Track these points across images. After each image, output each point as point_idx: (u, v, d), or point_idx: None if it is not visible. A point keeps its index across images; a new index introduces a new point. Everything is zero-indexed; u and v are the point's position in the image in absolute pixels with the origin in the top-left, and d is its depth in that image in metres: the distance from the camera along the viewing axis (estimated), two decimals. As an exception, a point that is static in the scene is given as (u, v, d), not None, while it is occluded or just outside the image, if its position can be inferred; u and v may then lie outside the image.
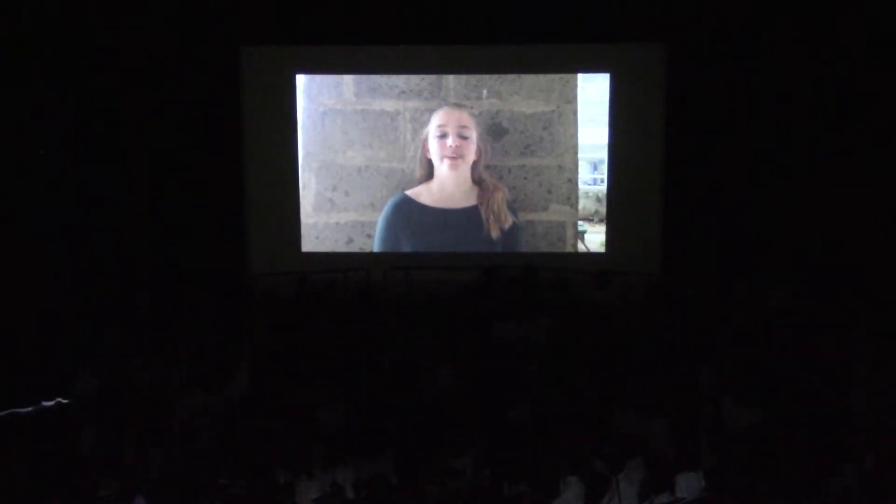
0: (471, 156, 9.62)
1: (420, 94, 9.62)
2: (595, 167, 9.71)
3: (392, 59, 9.59)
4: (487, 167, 9.64)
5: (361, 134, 9.69)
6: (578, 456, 6.19)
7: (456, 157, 9.59)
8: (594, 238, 9.77)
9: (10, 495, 6.07)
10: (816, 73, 9.08)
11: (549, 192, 9.70)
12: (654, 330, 7.89)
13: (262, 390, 7.27)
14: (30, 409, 7.12)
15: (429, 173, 9.64)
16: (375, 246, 9.75)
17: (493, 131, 9.64)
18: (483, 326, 7.95)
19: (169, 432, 6.82)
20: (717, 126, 9.24)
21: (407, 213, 9.70)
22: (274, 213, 9.76)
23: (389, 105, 9.65)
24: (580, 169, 9.67)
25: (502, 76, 9.59)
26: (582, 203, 9.74)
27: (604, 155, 9.64)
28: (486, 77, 9.59)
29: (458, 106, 9.60)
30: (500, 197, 9.66)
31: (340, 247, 9.76)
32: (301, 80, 9.65)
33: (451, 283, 8.87)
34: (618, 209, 9.67)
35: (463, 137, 9.59)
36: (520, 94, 9.62)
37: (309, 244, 9.79)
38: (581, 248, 9.77)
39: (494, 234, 9.71)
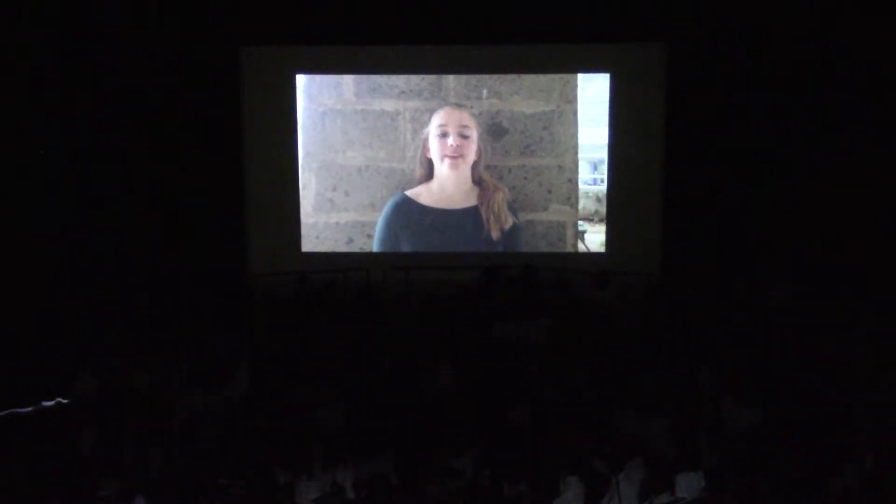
0: (471, 156, 9.62)
1: (420, 94, 9.62)
2: (595, 167, 9.71)
3: (392, 59, 9.59)
4: (487, 167, 9.64)
5: (361, 134, 9.69)
6: (578, 456, 6.19)
7: (456, 156, 9.60)
8: (594, 238, 9.77)
9: (10, 495, 6.07)
10: (816, 73, 9.08)
11: (550, 192, 9.70)
12: (654, 330, 7.89)
13: (262, 390, 7.27)
14: (30, 409, 7.12)
15: (429, 173, 9.64)
16: (375, 246, 9.75)
17: (494, 131, 9.64)
18: (483, 326, 7.94)
19: (169, 432, 6.82)
20: (717, 126, 9.24)
21: (407, 213, 9.70)
22: (274, 213, 9.76)
23: (389, 105, 9.65)
24: (580, 169, 9.68)
25: (502, 76, 9.59)
26: (582, 203, 9.74)
27: (604, 155, 9.64)
28: (486, 77, 9.59)
29: (458, 106, 9.60)
30: (501, 197, 9.66)
31: (340, 247, 9.76)
32: (301, 80, 9.65)
33: (451, 283, 8.87)
34: (618, 209, 9.67)
35: (464, 137, 9.59)
36: (520, 94, 9.62)
37: (309, 244, 9.79)
38: (581, 248, 9.77)
39: (495, 234, 9.72)
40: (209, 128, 9.41)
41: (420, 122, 9.62)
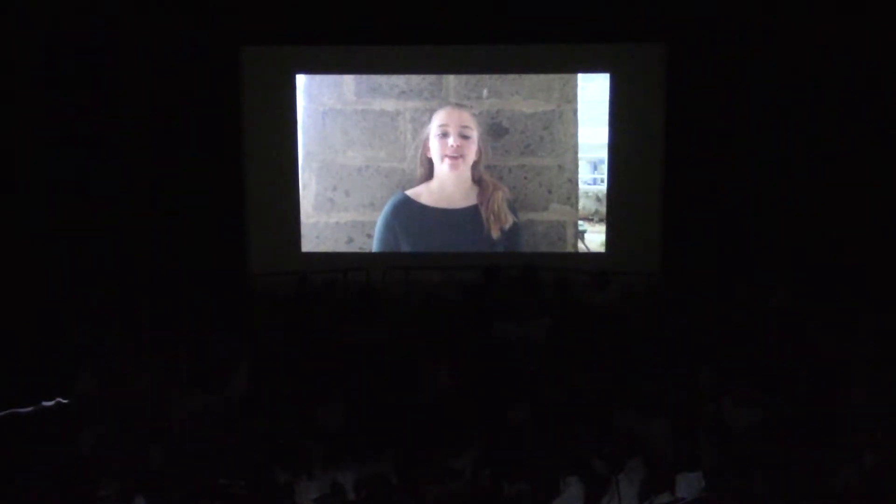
0: (471, 156, 9.62)
1: (420, 94, 9.63)
2: (595, 167, 9.71)
3: (392, 59, 9.60)
4: (488, 167, 9.64)
5: (362, 134, 9.69)
6: (578, 456, 6.18)
7: (457, 156, 9.60)
8: (594, 238, 9.77)
9: (10, 495, 6.06)
10: (817, 72, 9.08)
11: (550, 191, 9.70)
12: (654, 330, 7.89)
13: (262, 390, 7.27)
14: (30, 409, 7.11)
15: (429, 172, 9.65)
16: (375, 246, 9.75)
17: (494, 131, 9.64)
18: (483, 326, 7.94)
19: (169, 432, 6.81)
20: (718, 126, 9.25)
21: (407, 213, 9.70)
22: (274, 213, 9.77)
23: (390, 105, 9.65)
24: (580, 169, 9.68)
25: (502, 76, 9.59)
26: (582, 203, 9.74)
27: (604, 155, 9.65)
28: (486, 77, 9.59)
29: (459, 105, 9.60)
30: (500, 196, 9.66)
31: (340, 247, 9.76)
32: (301, 79, 9.65)
33: (451, 283, 8.88)
34: (618, 209, 9.67)
35: (464, 137, 9.59)
36: (520, 94, 9.63)
37: (309, 244, 9.80)
38: (581, 247, 9.77)
39: (495, 233, 9.72)
40: (209, 128, 9.41)
41: (420, 122, 9.63)
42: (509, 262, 9.08)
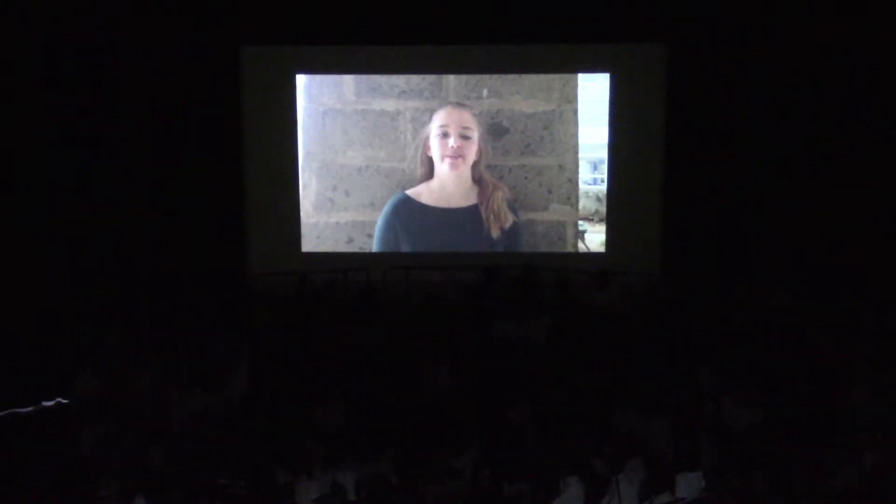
0: (472, 156, 9.62)
1: (420, 94, 9.62)
2: (595, 167, 9.71)
3: (392, 59, 9.60)
4: (488, 167, 9.64)
5: (362, 134, 9.69)
6: (578, 456, 6.18)
7: (457, 156, 9.60)
8: (594, 238, 9.77)
9: (10, 495, 6.06)
10: (817, 72, 9.08)
11: (550, 191, 9.70)
12: (654, 330, 7.89)
13: (262, 390, 7.27)
14: (30, 409, 7.11)
15: (429, 172, 9.65)
16: (375, 246, 9.75)
17: (494, 131, 9.64)
18: (483, 326, 7.94)
19: (169, 432, 6.81)
20: (718, 126, 9.25)
21: (407, 212, 9.70)
22: (274, 213, 9.76)
23: (390, 105, 9.65)
24: (580, 168, 9.68)
25: (503, 76, 9.59)
26: (582, 203, 9.74)
27: (604, 155, 9.65)
28: (486, 77, 9.59)
29: (460, 105, 9.60)
30: (500, 196, 9.66)
31: (341, 246, 9.76)
32: (301, 79, 9.65)
33: (451, 283, 8.88)
34: (618, 209, 9.67)
35: (465, 137, 9.59)
36: (520, 94, 9.63)
37: (309, 244, 9.80)
38: (581, 247, 9.77)
39: (495, 233, 9.72)
40: (209, 128, 9.40)
41: (420, 122, 9.63)
42: (509, 262, 9.08)
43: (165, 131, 9.40)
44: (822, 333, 7.58)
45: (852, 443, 6.25)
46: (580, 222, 9.76)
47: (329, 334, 7.89)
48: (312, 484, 6.12)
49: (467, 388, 7.28)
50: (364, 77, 9.63)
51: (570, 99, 9.62)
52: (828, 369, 7.14)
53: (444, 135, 9.59)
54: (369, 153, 9.71)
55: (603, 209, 9.72)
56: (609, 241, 9.73)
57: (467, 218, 9.70)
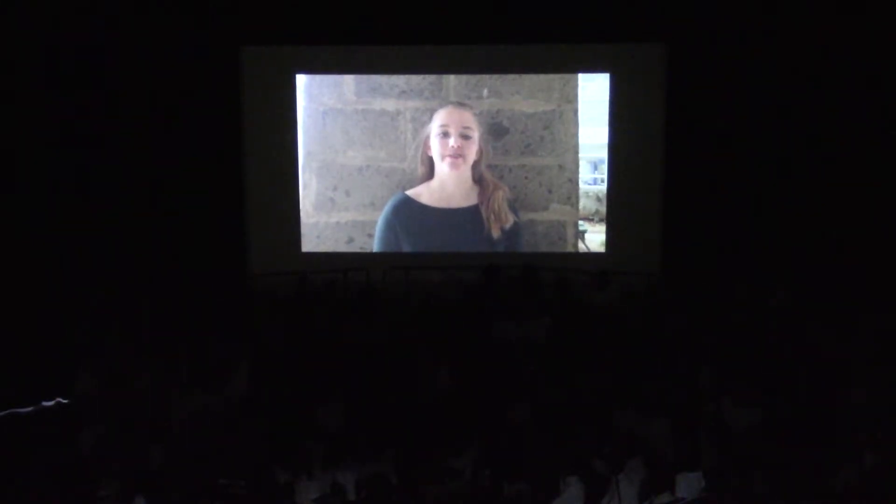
0: (472, 155, 9.62)
1: (421, 94, 9.62)
2: (595, 167, 9.71)
3: (392, 59, 9.60)
4: (488, 167, 9.64)
5: (362, 133, 9.69)
6: (578, 456, 6.19)
7: (458, 156, 9.59)
8: (594, 238, 9.77)
9: (10, 495, 6.07)
10: (817, 72, 9.08)
11: (550, 191, 9.70)
12: (654, 330, 7.89)
13: (262, 390, 7.27)
14: (30, 409, 7.11)
15: (430, 172, 9.64)
16: (376, 246, 9.75)
17: (494, 131, 9.64)
18: (483, 326, 7.94)
19: (169, 432, 6.81)
20: (718, 126, 9.25)
21: (407, 213, 9.70)
22: (274, 213, 9.76)
23: (390, 105, 9.65)
24: (580, 168, 9.67)
25: (503, 76, 9.59)
26: (582, 203, 9.74)
27: (604, 155, 9.64)
28: (486, 76, 9.59)
29: (460, 105, 9.60)
30: (501, 196, 9.66)
31: (341, 246, 9.76)
32: (301, 79, 9.65)
33: (451, 283, 8.88)
34: (618, 209, 9.67)
35: (465, 137, 9.59)
36: (520, 94, 9.62)
37: (310, 243, 9.79)
38: (581, 247, 9.77)
39: (495, 233, 9.71)
40: (209, 128, 9.40)
41: (420, 122, 9.63)
42: (509, 262, 9.08)
43: (165, 131, 9.40)
44: (822, 333, 7.58)
45: (852, 443, 6.25)
46: (580, 222, 9.76)
47: (329, 334, 7.89)
48: (312, 484, 6.12)
49: (467, 388, 7.27)
50: (364, 77, 9.63)
51: (571, 99, 9.62)
52: (828, 369, 7.14)
53: (445, 134, 9.59)
54: (369, 153, 9.71)
55: (603, 209, 9.72)
56: (609, 241, 9.73)
57: (468, 218, 9.70)
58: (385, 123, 9.67)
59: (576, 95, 9.61)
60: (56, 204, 9.28)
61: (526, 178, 9.69)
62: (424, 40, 9.39)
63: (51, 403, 7.18)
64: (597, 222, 9.76)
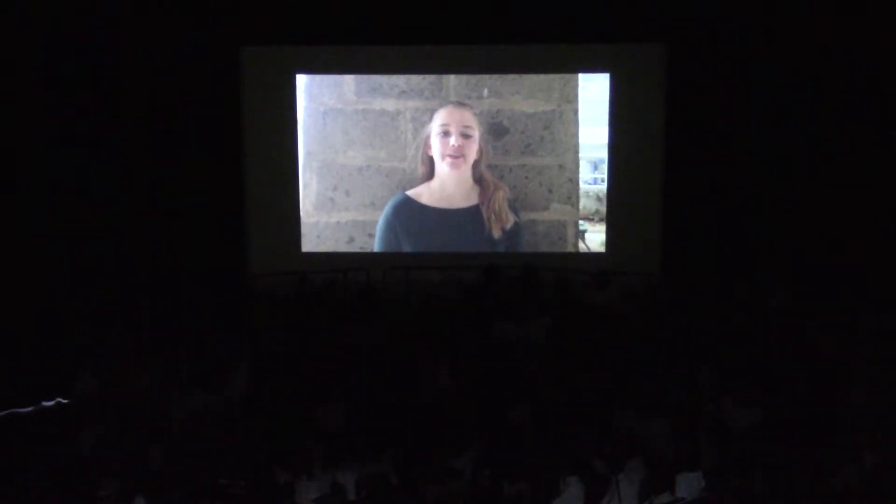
0: (472, 155, 9.62)
1: (421, 94, 9.62)
2: (595, 167, 9.71)
3: (392, 59, 9.60)
4: (488, 167, 9.64)
5: (362, 133, 9.69)
6: (578, 456, 6.18)
7: (458, 156, 9.59)
8: (594, 238, 9.77)
9: (10, 495, 6.07)
10: (817, 72, 9.08)
11: (550, 191, 9.70)
12: (654, 330, 7.89)
13: (262, 390, 7.27)
14: (30, 409, 7.11)
15: (430, 171, 9.64)
16: (377, 246, 9.75)
17: (494, 131, 9.64)
18: (483, 326, 7.94)
19: (169, 432, 6.82)
20: (717, 126, 9.25)
21: (408, 213, 9.70)
22: (274, 213, 9.76)
23: (390, 104, 9.65)
24: (581, 168, 9.67)
25: (503, 76, 9.59)
26: (582, 202, 9.74)
27: (604, 155, 9.64)
28: (486, 76, 9.59)
29: (461, 104, 9.60)
30: (501, 196, 9.66)
31: (341, 246, 9.76)
32: (302, 79, 9.65)
33: (451, 283, 8.88)
34: (618, 209, 9.67)
35: (466, 136, 9.59)
36: (520, 94, 9.62)
37: (310, 243, 9.80)
38: (582, 247, 9.77)
39: (496, 233, 9.71)
40: (209, 128, 9.40)
41: (420, 122, 9.63)
42: (509, 262, 9.08)
43: (165, 131, 9.40)
44: (822, 333, 7.58)
45: (852, 443, 6.25)
46: (580, 222, 9.76)
47: (329, 334, 7.89)
48: (312, 484, 6.12)
49: (467, 388, 7.27)
50: (364, 77, 9.63)
51: (571, 99, 9.62)
52: (828, 369, 7.14)
53: (446, 133, 9.59)
54: (370, 153, 9.71)
55: (603, 209, 9.72)
56: (609, 241, 9.73)
57: (468, 218, 9.70)
58: (385, 123, 9.67)
59: (576, 95, 9.61)
60: (56, 204, 9.28)
61: (526, 177, 9.69)
62: (424, 40, 9.39)
63: (51, 403, 7.18)
64: (597, 222, 9.76)
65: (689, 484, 5.96)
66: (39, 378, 7.42)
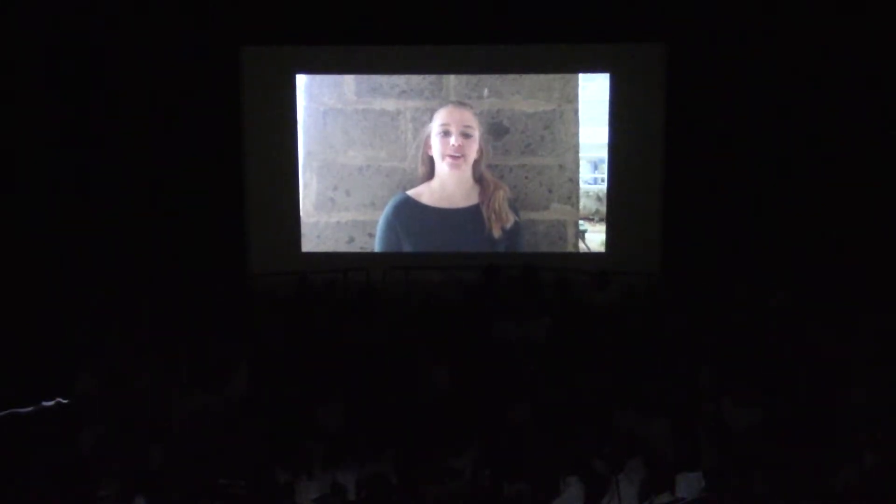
0: (473, 155, 9.62)
1: (421, 94, 9.62)
2: (596, 166, 9.71)
3: (392, 59, 9.60)
4: (488, 166, 9.64)
5: (362, 133, 9.69)
6: (578, 456, 6.18)
7: (458, 155, 9.59)
8: (594, 237, 9.77)
9: (10, 495, 6.07)
10: (817, 72, 9.08)
11: (550, 191, 9.70)
12: (654, 330, 7.88)
13: (262, 390, 7.27)
14: (30, 409, 7.11)
15: (430, 171, 9.64)
16: (377, 246, 9.75)
17: (494, 130, 9.64)
18: (483, 326, 7.94)
19: (169, 432, 6.82)
20: (717, 126, 9.25)
21: (408, 213, 9.70)
22: (274, 213, 9.76)
23: (390, 104, 9.65)
24: (581, 168, 9.68)
25: (503, 76, 9.59)
26: (583, 202, 9.74)
27: (604, 154, 9.64)
28: (486, 76, 9.59)
29: (461, 104, 9.60)
30: (502, 196, 9.66)
31: (342, 246, 9.76)
32: (302, 79, 9.65)
33: (451, 283, 8.88)
34: (618, 209, 9.67)
35: (466, 136, 9.59)
36: (521, 94, 9.63)
37: (310, 243, 9.80)
38: (582, 247, 9.77)
39: (496, 232, 9.71)
40: (209, 128, 9.41)
41: (421, 122, 9.63)
42: (509, 262, 9.08)
43: (165, 131, 9.40)
44: (822, 333, 7.57)
45: (852, 443, 6.25)
46: (580, 222, 9.76)
47: (329, 334, 7.89)
48: (312, 484, 6.12)
49: (467, 388, 7.27)
50: (364, 77, 9.63)
51: (571, 99, 9.62)
52: (828, 369, 7.14)
53: (446, 133, 9.59)
54: (370, 153, 9.71)
55: (603, 209, 9.72)
56: (609, 241, 9.73)
57: (468, 218, 9.70)
58: (385, 123, 9.67)
59: (576, 95, 9.61)
60: (56, 204, 9.28)
61: (526, 177, 9.69)
62: (424, 40, 9.39)
63: (51, 403, 7.18)
64: (597, 222, 9.77)
65: (689, 484, 5.96)
66: (39, 378, 7.42)
